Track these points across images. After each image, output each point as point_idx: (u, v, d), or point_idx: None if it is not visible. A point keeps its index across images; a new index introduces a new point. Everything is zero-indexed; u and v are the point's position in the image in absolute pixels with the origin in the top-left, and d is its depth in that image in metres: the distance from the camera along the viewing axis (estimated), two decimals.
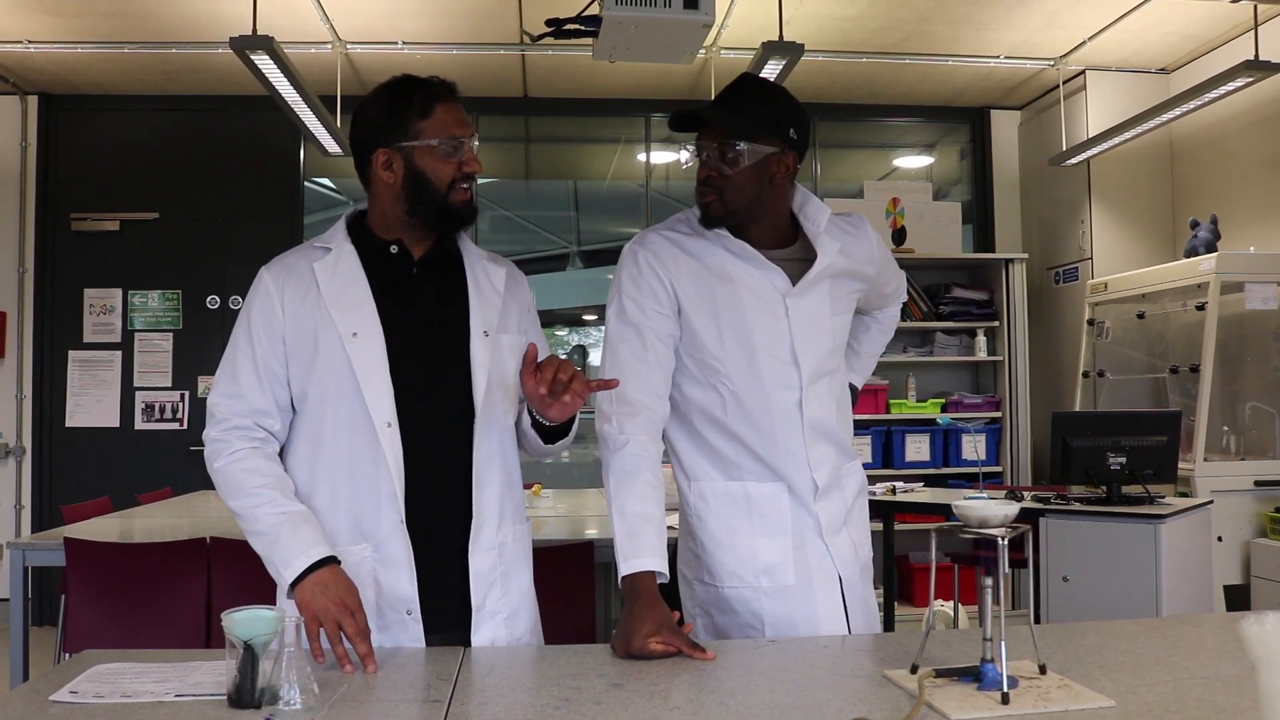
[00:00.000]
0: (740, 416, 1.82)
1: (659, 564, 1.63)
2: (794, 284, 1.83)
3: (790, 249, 1.88)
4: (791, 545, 1.82)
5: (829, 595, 1.83)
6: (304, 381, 1.69)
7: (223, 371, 1.72)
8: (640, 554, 1.64)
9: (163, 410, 6.05)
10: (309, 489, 1.70)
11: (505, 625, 1.74)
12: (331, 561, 1.59)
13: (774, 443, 1.82)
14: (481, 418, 1.71)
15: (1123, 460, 3.54)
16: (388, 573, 1.66)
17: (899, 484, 4.42)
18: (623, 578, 1.64)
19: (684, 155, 1.86)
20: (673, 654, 1.53)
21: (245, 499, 1.64)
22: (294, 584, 1.57)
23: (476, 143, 1.77)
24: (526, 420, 1.78)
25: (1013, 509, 1.36)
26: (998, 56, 5.64)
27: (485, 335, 1.74)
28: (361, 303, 1.69)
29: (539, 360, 1.63)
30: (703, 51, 5.27)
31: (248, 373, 1.69)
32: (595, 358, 8.23)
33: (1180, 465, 3.77)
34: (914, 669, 1.40)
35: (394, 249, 1.75)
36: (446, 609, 1.70)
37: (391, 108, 1.71)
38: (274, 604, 1.63)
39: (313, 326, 1.68)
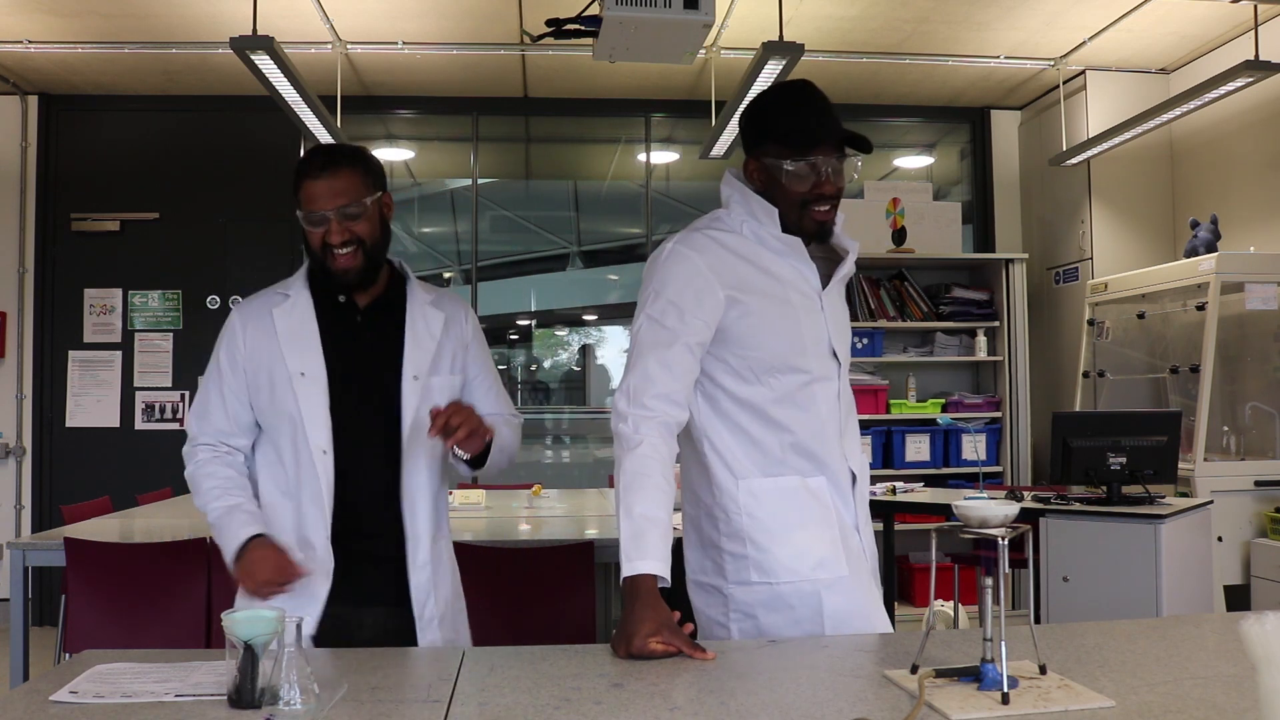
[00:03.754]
0: (790, 410, 1.84)
1: (661, 569, 1.64)
2: (822, 281, 1.89)
3: (812, 247, 1.91)
4: (839, 537, 1.85)
5: (871, 586, 1.88)
6: (260, 410, 1.96)
7: (198, 395, 2.02)
8: (644, 556, 1.64)
9: (163, 410, 6.05)
10: (265, 503, 1.95)
11: (440, 630, 1.96)
12: (259, 538, 1.84)
13: (821, 435, 1.86)
14: (408, 451, 1.94)
15: (1123, 460, 3.54)
16: (310, 581, 1.86)
17: (899, 484, 4.42)
18: (624, 579, 1.64)
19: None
20: (673, 654, 1.54)
21: (202, 498, 1.94)
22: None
23: (358, 214, 1.89)
24: (449, 454, 2.00)
25: (1013, 509, 1.36)
26: (998, 57, 5.64)
27: (415, 379, 1.95)
28: (310, 346, 1.93)
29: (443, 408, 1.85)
30: (703, 51, 5.27)
31: (214, 399, 1.97)
32: (598, 357, 8.24)
33: (1180, 465, 3.77)
34: (914, 669, 1.40)
35: (342, 299, 1.97)
36: (389, 623, 1.93)
37: (295, 176, 1.94)
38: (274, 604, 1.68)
39: (268, 364, 1.93)
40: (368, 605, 1.91)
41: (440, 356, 1.99)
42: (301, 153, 6.22)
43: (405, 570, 1.93)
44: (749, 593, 1.84)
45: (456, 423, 1.81)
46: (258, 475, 1.98)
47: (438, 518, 2.00)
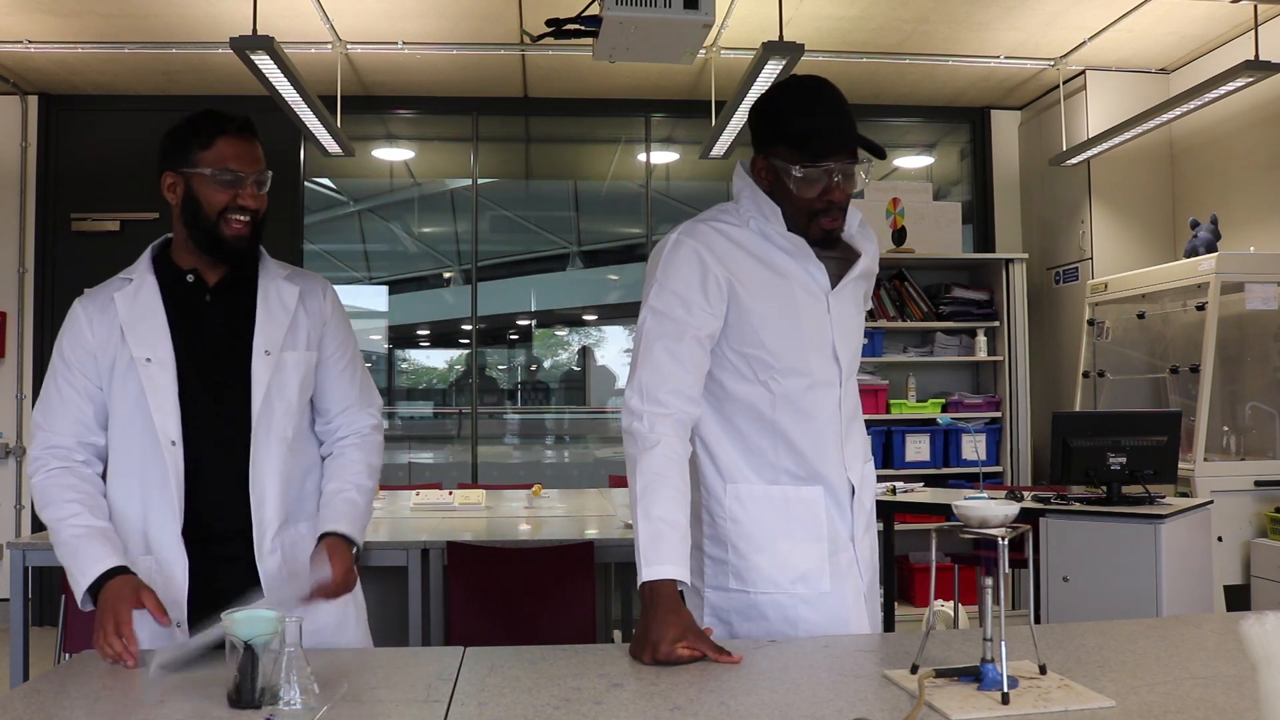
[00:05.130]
0: (788, 414, 1.80)
1: (682, 572, 1.61)
2: (831, 281, 1.84)
3: (825, 248, 1.86)
4: (827, 551, 1.80)
5: (857, 600, 1.83)
6: (107, 403, 1.85)
7: (42, 396, 1.89)
8: (664, 560, 1.61)
9: None
10: (112, 501, 1.85)
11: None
12: (121, 571, 1.71)
13: (819, 442, 1.81)
14: (257, 431, 1.85)
15: (1123, 460, 3.54)
16: (166, 584, 1.77)
17: (899, 484, 4.42)
18: (643, 583, 1.60)
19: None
20: (699, 659, 1.52)
21: (53, 510, 1.79)
22: (92, 594, 1.70)
23: (265, 185, 1.86)
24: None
25: (1013, 509, 1.36)
26: (998, 57, 5.64)
27: (266, 354, 1.87)
28: (156, 330, 1.84)
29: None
30: (703, 51, 5.27)
31: (62, 397, 1.85)
32: (598, 357, 8.24)
33: (1180, 465, 3.77)
34: (914, 669, 1.40)
35: (190, 278, 1.88)
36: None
37: (179, 135, 1.84)
38: None
39: (113, 353, 1.84)
40: (226, 603, 1.74)
41: (295, 330, 1.91)
42: (302, 153, 6.25)
43: (253, 561, 1.82)
44: (725, 598, 1.81)
45: (343, 591, 1.80)
46: (106, 473, 1.87)
47: (291, 502, 1.89)
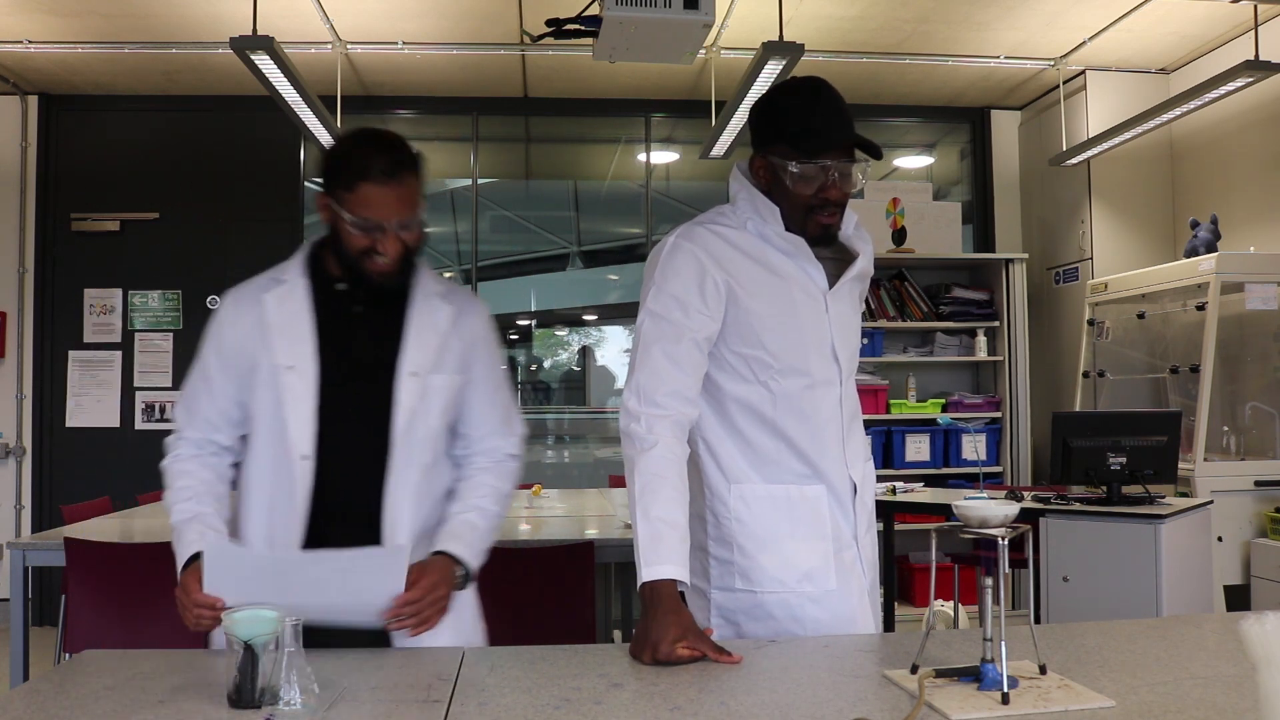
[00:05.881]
0: (789, 414, 1.80)
1: (681, 572, 1.62)
2: (829, 281, 1.84)
3: (821, 247, 1.87)
4: (832, 550, 1.81)
5: (862, 598, 1.84)
6: (244, 404, 1.80)
7: (187, 387, 1.86)
8: (663, 560, 1.61)
9: (163, 410, 6.05)
10: (240, 502, 1.81)
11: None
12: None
13: (820, 441, 1.82)
14: (396, 455, 1.77)
15: (1123, 460, 3.54)
16: None
17: (899, 484, 4.42)
18: (643, 584, 1.60)
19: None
20: (699, 659, 1.52)
21: (170, 496, 1.80)
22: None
23: (412, 228, 1.74)
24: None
25: (1013, 509, 1.36)
26: (998, 57, 5.64)
27: (413, 376, 1.78)
28: (301, 338, 1.76)
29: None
30: (703, 51, 5.27)
31: (201, 390, 1.83)
32: (598, 358, 8.24)
33: (1180, 465, 3.77)
34: (914, 669, 1.40)
35: (341, 286, 1.80)
36: (359, 634, 1.67)
37: (331, 163, 1.74)
38: None
39: (254, 355, 1.77)
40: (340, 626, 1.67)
41: (444, 352, 1.81)
42: (302, 153, 6.25)
43: None
44: (732, 599, 1.81)
45: (428, 614, 1.63)
46: (241, 473, 1.83)
47: (424, 527, 1.80)
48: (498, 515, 1.86)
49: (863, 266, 1.90)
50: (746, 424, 1.83)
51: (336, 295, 1.80)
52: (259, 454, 1.79)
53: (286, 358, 1.75)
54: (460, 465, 1.91)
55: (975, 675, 1.33)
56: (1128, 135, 5.31)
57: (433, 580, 1.65)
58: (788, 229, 1.81)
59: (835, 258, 1.88)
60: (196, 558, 1.64)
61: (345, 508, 1.75)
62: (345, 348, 1.78)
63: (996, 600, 1.30)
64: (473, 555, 1.77)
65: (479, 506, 1.83)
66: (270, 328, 1.77)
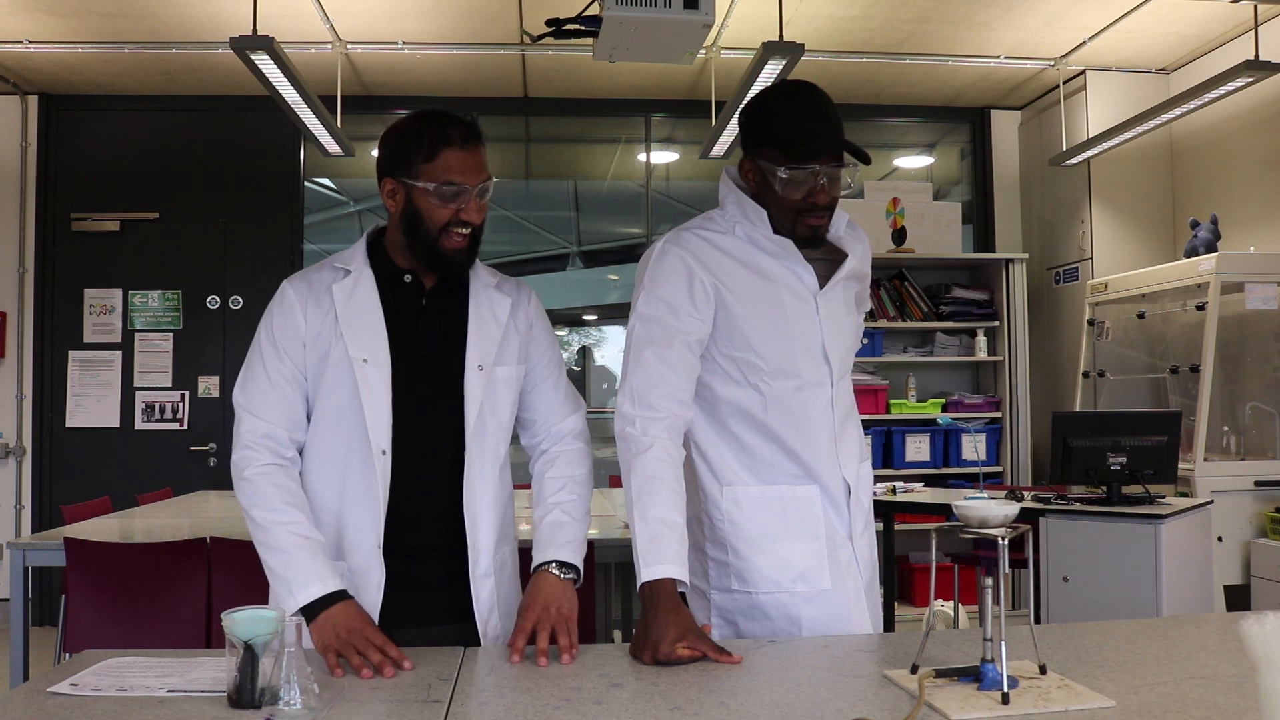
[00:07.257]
0: (780, 416, 1.81)
1: (680, 572, 1.62)
2: (820, 282, 1.85)
3: (811, 249, 1.88)
4: (825, 549, 1.82)
5: (858, 597, 1.84)
6: (312, 397, 1.75)
7: (246, 378, 1.76)
8: (662, 561, 1.62)
9: (163, 410, 6.05)
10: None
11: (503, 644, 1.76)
12: (344, 596, 1.61)
13: (812, 442, 1.82)
14: (471, 448, 1.76)
15: (1123, 460, 3.54)
16: (356, 596, 1.66)
17: (899, 484, 4.42)
18: (643, 584, 1.61)
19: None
20: (698, 659, 1.52)
21: (270, 513, 1.66)
22: (308, 613, 1.59)
23: (488, 194, 1.75)
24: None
25: (1013, 509, 1.36)
26: (998, 56, 5.64)
27: (480, 369, 1.78)
28: (374, 330, 1.73)
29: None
30: (703, 51, 5.27)
31: (271, 382, 1.73)
32: (598, 358, 8.24)
33: (1180, 465, 3.77)
34: (914, 669, 1.40)
35: (408, 278, 1.79)
36: (448, 640, 1.69)
37: (401, 142, 1.73)
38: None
39: (326, 346, 1.73)
40: (425, 624, 1.71)
41: (506, 345, 1.82)
42: (302, 153, 6.25)
43: (467, 584, 1.74)
44: (730, 599, 1.83)
45: (560, 633, 1.58)
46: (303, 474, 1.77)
47: (502, 523, 1.81)
48: (576, 503, 1.83)
49: (855, 266, 1.91)
50: (738, 426, 1.84)
51: (403, 287, 1.78)
52: (328, 451, 1.74)
53: (360, 350, 1.71)
54: (531, 457, 1.92)
55: (975, 675, 1.33)
56: (1128, 135, 5.31)
57: (547, 596, 1.64)
58: (776, 231, 1.82)
59: (826, 259, 1.88)
60: (341, 595, 1.60)
61: (423, 506, 1.74)
62: (415, 340, 1.76)
63: (996, 600, 1.30)
64: (570, 554, 1.74)
65: (559, 501, 1.82)
66: (342, 319, 1.72)
